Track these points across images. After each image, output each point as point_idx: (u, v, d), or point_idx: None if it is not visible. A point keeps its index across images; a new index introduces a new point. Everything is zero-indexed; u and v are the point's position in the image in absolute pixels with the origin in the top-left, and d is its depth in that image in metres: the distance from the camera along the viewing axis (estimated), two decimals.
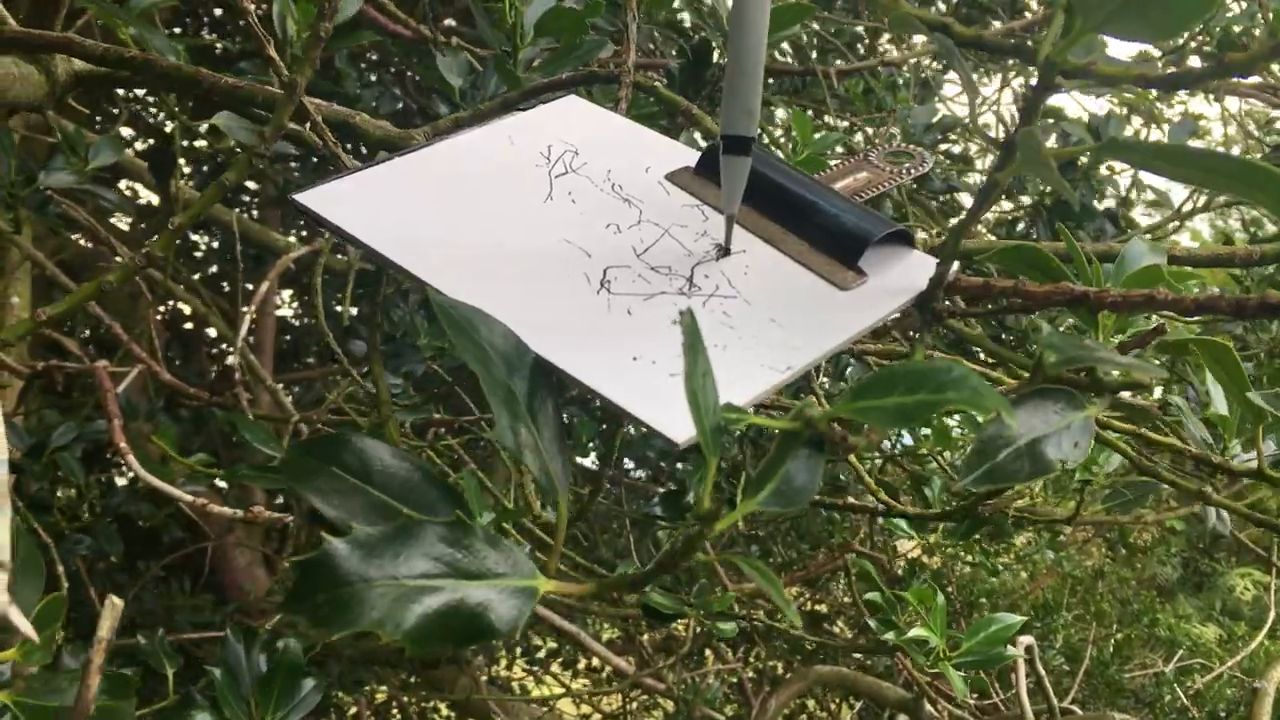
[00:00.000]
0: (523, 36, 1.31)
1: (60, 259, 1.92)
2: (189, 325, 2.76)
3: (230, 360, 1.55)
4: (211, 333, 2.63)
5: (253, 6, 0.63)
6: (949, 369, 0.41)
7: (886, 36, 2.62)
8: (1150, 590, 3.41)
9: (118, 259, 1.59)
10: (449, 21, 2.45)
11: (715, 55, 1.54)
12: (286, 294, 2.86)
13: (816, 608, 2.97)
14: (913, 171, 0.58)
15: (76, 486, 1.41)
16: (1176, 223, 2.35)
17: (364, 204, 0.54)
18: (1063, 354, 0.44)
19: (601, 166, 0.59)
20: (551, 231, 0.54)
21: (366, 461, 0.47)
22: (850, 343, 0.50)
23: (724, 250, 0.54)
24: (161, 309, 2.63)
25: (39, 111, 0.86)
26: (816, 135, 1.55)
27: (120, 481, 1.99)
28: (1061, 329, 0.89)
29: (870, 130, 1.86)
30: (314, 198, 0.54)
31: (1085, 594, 3.23)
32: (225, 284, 2.70)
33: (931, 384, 0.41)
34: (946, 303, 0.54)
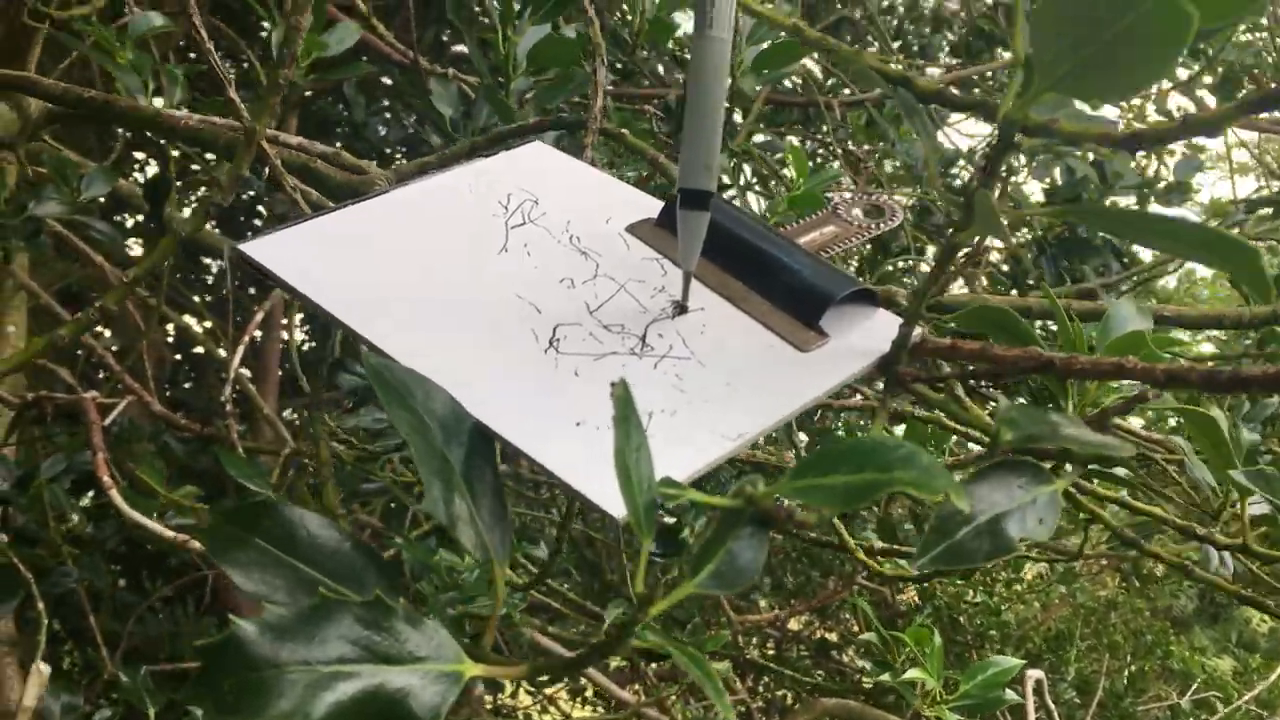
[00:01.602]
0: (515, 67, 1.30)
1: (63, 286, 1.92)
2: (200, 348, 2.76)
3: (224, 391, 1.54)
4: (223, 353, 2.63)
5: (211, 46, 0.61)
6: (897, 446, 0.38)
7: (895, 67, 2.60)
8: (1164, 621, 3.36)
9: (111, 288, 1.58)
10: (459, 48, 2.45)
11: None
12: (299, 317, 2.85)
13: (827, 635, 2.94)
14: (882, 226, 0.56)
15: (64, 518, 1.39)
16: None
17: (309, 256, 0.52)
18: (1021, 431, 0.42)
19: (561, 217, 0.57)
20: (504, 286, 0.52)
21: (292, 531, 0.44)
22: (808, 408, 0.48)
23: (681, 308, 0.52)
24: (170, 331, 2.62)
25: (10, 148, 0.85)
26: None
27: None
28: None
29: (871, 164, 1.84)
30: (258, 248, 0.52)
31: (1098, 625, 3.18)
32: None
33: (878, 462, 0.38)
34: (914, 365, 0.51)
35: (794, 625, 2.83)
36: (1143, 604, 3.34)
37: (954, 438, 1.18)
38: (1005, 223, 0.40)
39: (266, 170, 0.63)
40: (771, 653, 2.82)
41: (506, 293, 0.52)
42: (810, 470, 0.39)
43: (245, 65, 2.11)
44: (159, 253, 0.58)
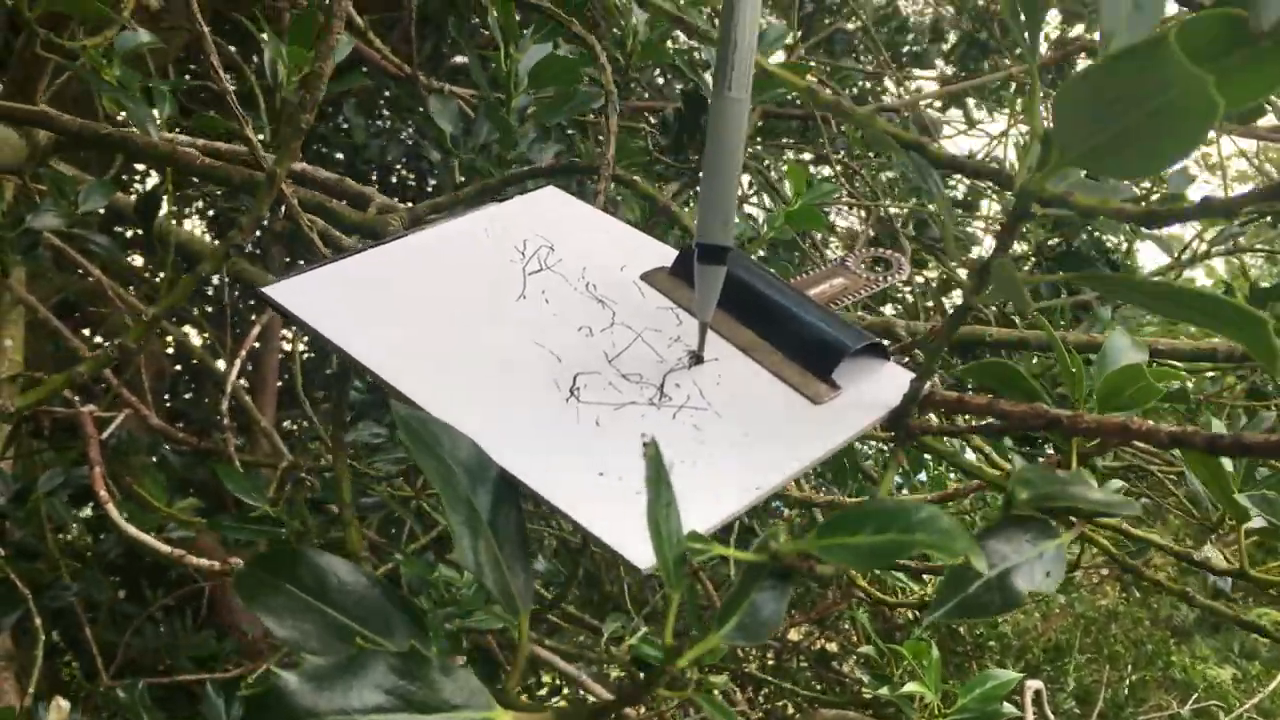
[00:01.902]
0: (516, 84, 1.31)
1: (62, 298, 1.93)
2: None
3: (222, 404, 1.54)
4: (221, 365, 2.63)
5: (231, 87, 0.63)
6: (918, 509, 0.40)
7: (890, 81, 2.63)
8: (1165, 631, 3.37)
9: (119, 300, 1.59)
10: (459, 59, 2.46)
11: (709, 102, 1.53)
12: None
13: (827, 646, 2.96)
14: (889, 279, 0.57)
15: (63, 530, 1.40)
16: (1191, 260, 2.33)
17: (331, 299, 0.54)
18: (1036, 491, 0.43)
19: (577, 264, 0.59)
20: (523, 333, 0.54)
21: (322, 578, 0.46)
22: (823, 459, 0.50)
23: (697, 358, 0.54)
24: (169, 343, 2.63)
25: (19, 175, 0.86)
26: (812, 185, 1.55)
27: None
28: None
29: (866, 174, 1.85)
30: (282, 291, 0.54)
31: (1099, 635, 3.20)
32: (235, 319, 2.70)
33: (901, 523, 0.40)
34: (927, 417, 0.53)
35: (794, 636, 2.85)
36: (1144, 614, 3.36)
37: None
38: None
39: (283, 209, 0.64)
40: (772, 663, 2.83)
41: (526, 340, 0.53)
42: (836, 530, 0.41)
43: (238, 79, 2.12)
44: (179, 292, 0.59)
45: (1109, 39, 0.41)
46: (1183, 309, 0.41)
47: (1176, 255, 2.33)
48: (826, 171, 2.25)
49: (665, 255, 0.60)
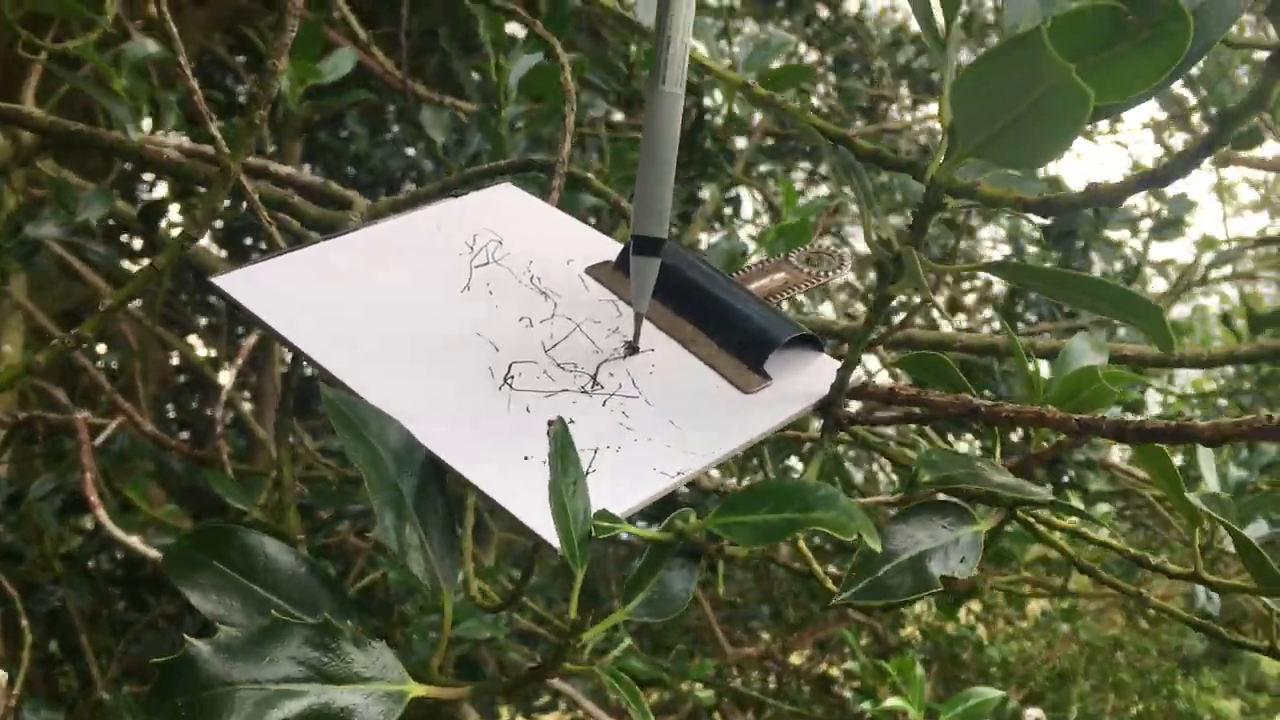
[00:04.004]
0: (507, 95, 1.33)
1: (64, 308, 1.95)
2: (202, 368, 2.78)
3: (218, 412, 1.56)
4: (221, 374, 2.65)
5: (196, 84, 0.64)
6: (817, 488, 0.41)
7: (896, 105, 2.64)
8: (1172, 662, 3.34)
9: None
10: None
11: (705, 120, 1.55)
12: None
13: (829, 671, 2.94)
14: (830, 275, 0.58)
15: (48, 537, 1.41)
16: (1189, 286, 2.33)
17: (280, 289, 0.55)
18: (939, 472, 0.44)
19: (524, 258, 0.60)
20: (464, 323, 0.55)
21: (251, 557, 0.47)
22: (747, 447, 0.50)
23: (632, 348, 0.55)
24: (175, 352, 2.65)
25: (4, 173, 0.88)
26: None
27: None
28: None
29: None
30: (231, 281, 0.55)
31: (1104, 664, 3.17)
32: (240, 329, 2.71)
33: (799, 503, 0.41)
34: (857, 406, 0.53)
35: (796, 659, 2.84)
36: (1150, 644, 3.32)
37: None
38: (930, 279, 0.42)
39: (244, 204, 0.65)
40: (773, 686, 2.82)
41: (466, 330, 0.54)
42: (736, 508, 0.41)
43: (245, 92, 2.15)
44: (135, 282, 0.60)
45: (1011, 30, 0.42)
46: (1086, 296, 0.42)
47: (1176, 280, 2.33)
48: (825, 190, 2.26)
49: (611, 250, 0.61)
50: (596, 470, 0.47)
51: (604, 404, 0.51)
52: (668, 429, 0.50)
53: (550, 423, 0.41)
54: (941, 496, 0.49)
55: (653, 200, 0.52)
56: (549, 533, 0.44)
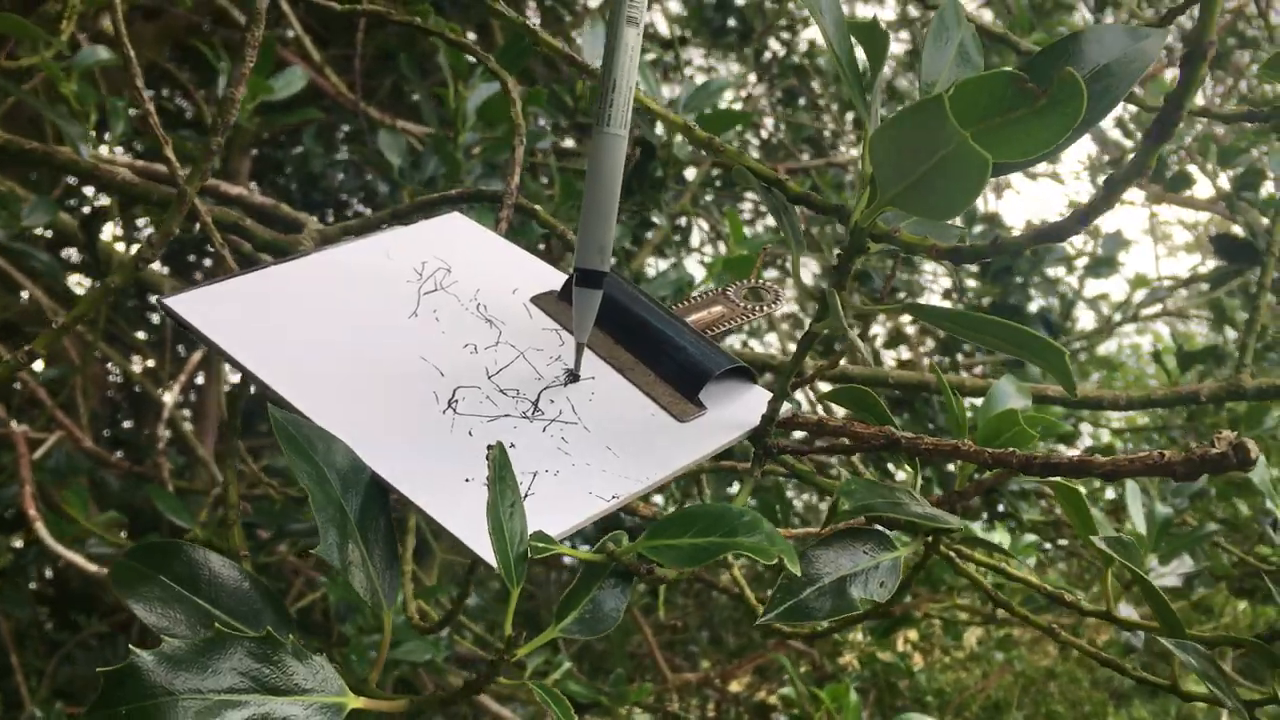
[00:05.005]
0: (464, 121, 1.35)
1: (3, 320, 1.93)
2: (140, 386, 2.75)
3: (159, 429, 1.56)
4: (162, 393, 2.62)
5: (152, 107, 0.66)
6: (742, 514, 0.43)
7: (842, 139, 2.70)
8: (1104, 693, 3.40)
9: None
10: (418, 96, 2.50)
11: (656, 150, 1.58)
12: None
13: (768, 699, 2.96)
14: (766, 309, 0.61)
15: None
16: (1121, 322, 2.39)
17: (228, 311, 0.56)
18: (858, 500, 0.47)
19: (471, 285, 0.62)
20: (411, 348, 0.57)
21: (195, 571, 0.48)
22: (680, 474, 0.53)
23: (573, 376, 0.57)
24: (112, 370, 2.62)
25: None
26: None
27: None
28: None
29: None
30: (181, 302, 0.56)
31: (1038, 694, 3.22)
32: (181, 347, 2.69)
33: (724, 527, 0.43)
34: (792, 437, 0.56)
35: (736, 687, 2.86)
36: (1082, 674, 3.38)
37: None
38: (849, 320, 0.45)
39: (197, 225, 0.67)
40: (712, 714, 2.84)
41: (412, 354, 0.56)
42: (665, 531, 0.44)
43: (196, 107, 2.15)
44: (88, 301, 0.61)
45: (929, 89, 0.45)
46: (994, 338, 0.44)
47: (1108, 315, 2.40)
48: (772, 221, 2.30)
49: (556, 280, 0.63)
50: (535, 493, 0.49)
51: (544, 429, 0.53)
52: (605, 455, 0.52)
53: (489, 447, 0.43)
54: (864, 524, 0.52)
55: (595, 235, 0.54)
56: (487, 552, 0.45)
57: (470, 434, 0.52)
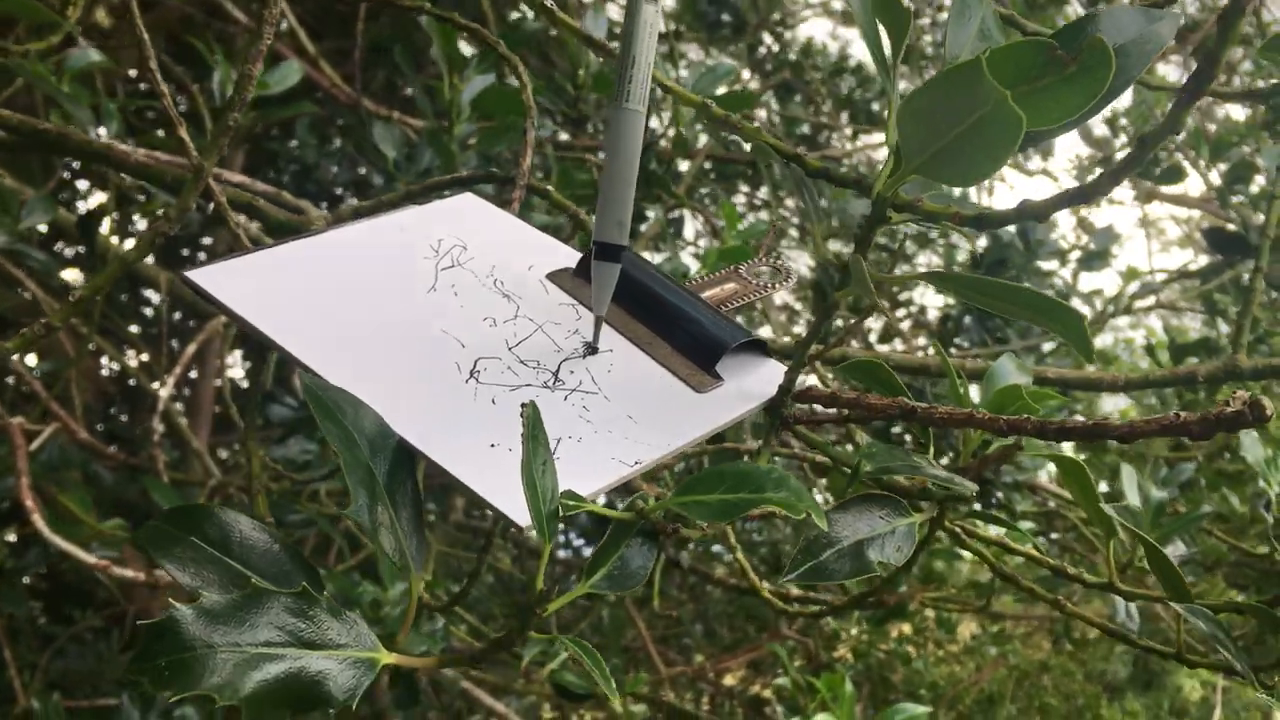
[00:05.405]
0: (459, 113, 1.36)
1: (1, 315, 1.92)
2: (135, 380, 2.75)
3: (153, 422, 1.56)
4: (156, 385, 2.62)
5: (167, 89, 0.66)
6: (770, 471, 0.44)
7: (836, 133, 2.71)
8: (1097, 686, 3.42)
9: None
10: (411, 91, 2.51)
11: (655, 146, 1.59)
12: (238, 353, 2.85)
13: (762, 693, 2.97)
14: (777, 286, 0.62)
15: None
16: (1115, 314, 2.41)
17: (252, 285, 0.57)
18: (878, 463, 0.48)
19: (487, 262, 0.63)
20: (431, 321, 0.58)
21: (227, 533, 0.49)
22: (699, 441, 0.54)
23: (591, 348, 0.58)
24: (107, 363, 2.62)
25: None
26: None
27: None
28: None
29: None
30: (204, 276, 0.57)
31: (1031, 687, 3.24)
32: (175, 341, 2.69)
33: (753, 484, 0.44)
34: (803, 408, 0.57)
35: (730, 681, 2.87)
36: (1076, 668, 3.40)
37: None
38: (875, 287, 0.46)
39: (211, 205, 0.67)
40: (706, 707, 2.85)
41: (433, 327, 0.57)
42: (694, 488, 0.45)
43: (190, 100, 2.15)
44: (106, 274, 0.62)
45: (952, 61, 0.46)
46: (1013, 305, 0.46)
47: (1101, 309, 2.42)
48: (765, 215, 2.32)
49: (571, 257, 0.65)
50: (560, 458, 0.50)
51: (565, 398, 0.54)
52: (626, 422, 0.53)
53: (523, 405, 0.44)
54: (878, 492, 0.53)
55: (614, 210, 0.55)
56: (513, 511, 0.46)
57: (493, 402, 0.53)
